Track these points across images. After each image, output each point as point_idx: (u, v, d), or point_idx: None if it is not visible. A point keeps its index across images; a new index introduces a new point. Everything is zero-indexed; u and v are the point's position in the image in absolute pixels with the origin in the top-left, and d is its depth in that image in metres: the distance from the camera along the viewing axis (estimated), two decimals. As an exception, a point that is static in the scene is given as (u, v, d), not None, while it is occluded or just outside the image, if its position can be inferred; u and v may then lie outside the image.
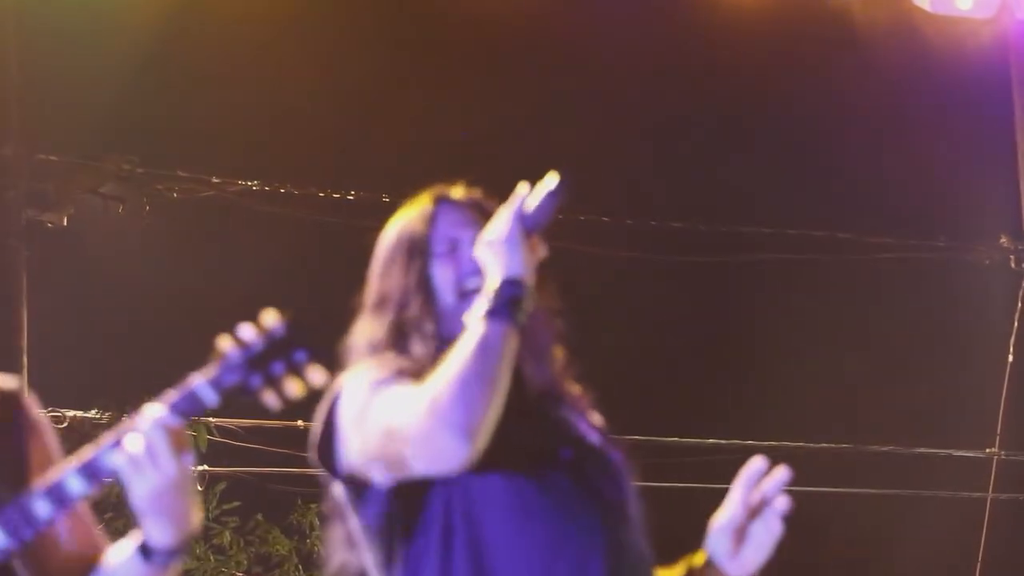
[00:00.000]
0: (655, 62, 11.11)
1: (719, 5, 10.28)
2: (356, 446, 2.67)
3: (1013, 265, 10.75)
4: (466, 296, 2.79)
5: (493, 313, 2.64)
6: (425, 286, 2.83)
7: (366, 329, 2.84)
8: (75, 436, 8.41)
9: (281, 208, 9.20)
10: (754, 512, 2.93)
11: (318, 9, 10.07)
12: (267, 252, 10.30)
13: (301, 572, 8.75)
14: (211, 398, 2.52)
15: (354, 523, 2.74)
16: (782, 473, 2.93)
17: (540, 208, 2.76)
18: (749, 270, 10.50)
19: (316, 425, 2.76)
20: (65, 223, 8.89)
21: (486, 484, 2.64)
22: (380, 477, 2.66)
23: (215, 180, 9.11)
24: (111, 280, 10.08)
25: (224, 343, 2.50)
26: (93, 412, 8.44)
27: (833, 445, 10.50)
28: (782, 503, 2.90)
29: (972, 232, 11.00)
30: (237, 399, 2.53)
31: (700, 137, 11.64)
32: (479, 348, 2.59)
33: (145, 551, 2.63)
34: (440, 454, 2.55)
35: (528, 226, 2.75)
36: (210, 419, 8.62)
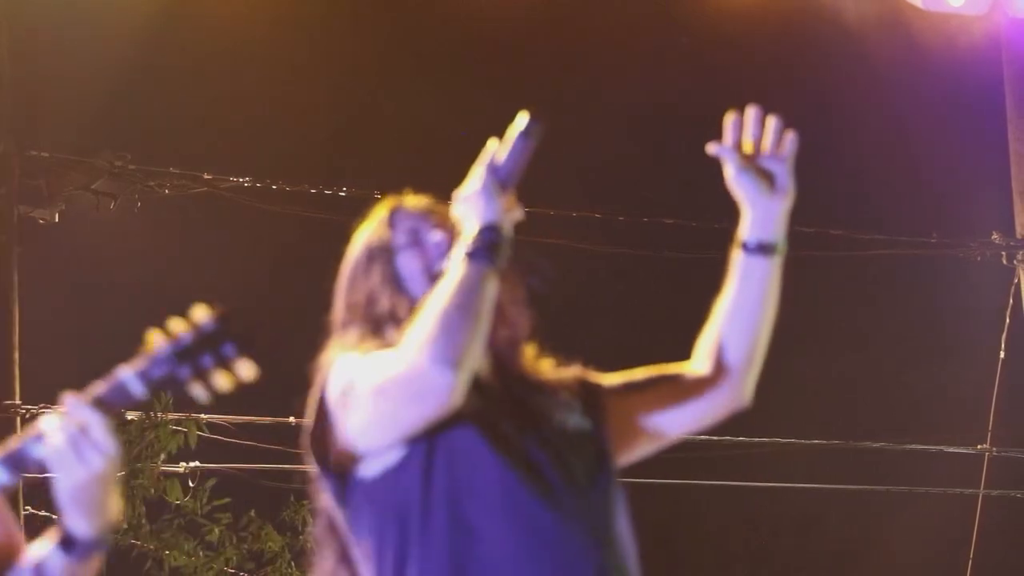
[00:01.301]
0: (652, 60, 11.12)
1: (714, 3, 10.28)
2: (350, 422, 2.67)
3: (1004, 261, 10.75)
4: (437, 280, 2.80)
5: (472, 255, 2.67)
6: (392, 280, 2.85)
7: (337, 344, 2.84)
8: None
9: (273, 205, 9.19)
10: (755, 154, 2.92)
11: (311, 6, 10.07)
12: (259, 249, 10.30)
13: (294, 568, 8.74)
14: (139, 390, 2.55)
15: (341, 518, 2.74)
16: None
17: (512, 154, 2.78)
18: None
19: (308, 419, 2.76)
20: (57, 219, 8.88)
21: (470, 469, 2.65)
22: (378, 448, 2.65)
23: (207, 177, 9.10)
24: (103, 276, 10.08)
25: (153, 336, 2.52)
26: (85, 409, 8.42)
27: (825, 442, 10.50)
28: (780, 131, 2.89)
29: (964, 228, 11.01)
30: (169, 389, 2.54)
31: (693, 134, 11.64)
32: (459, 285, 2.63)
33: (66, 544, 2.62)
34: (428, 388, 2.57)
35: (502, 175, 2.77)
36: (201, 416, 8.62)
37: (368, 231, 2.94)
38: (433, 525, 2.63)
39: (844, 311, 12.11)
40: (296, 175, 9.36)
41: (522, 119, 2.79)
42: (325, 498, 2.79)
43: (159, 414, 8.46)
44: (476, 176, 2.77)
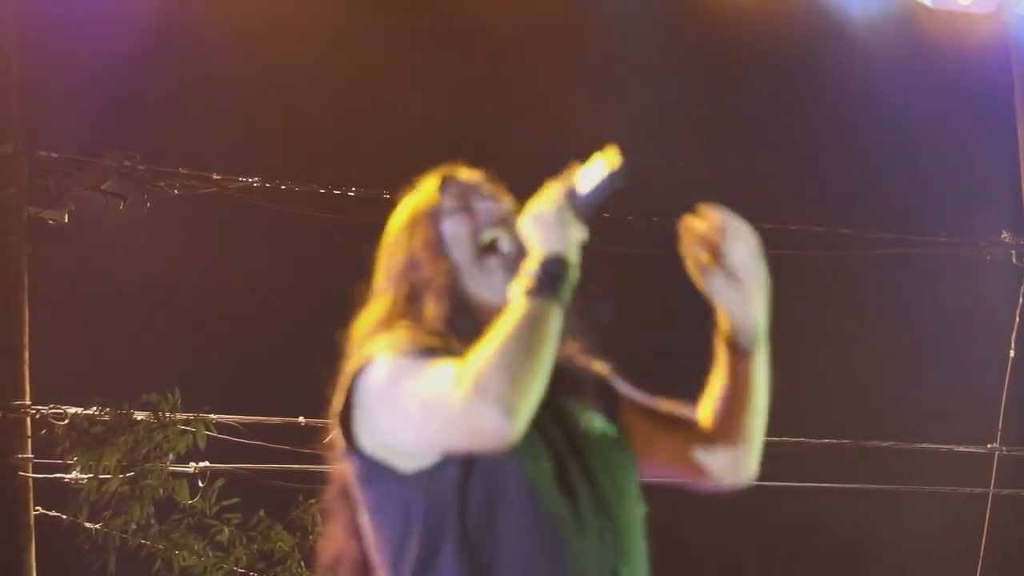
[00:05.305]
0: (656, 58, 11.11)
1: (719, 2, 10.28)
2: (387, 424, 2.60)
3: (1014, 260, 10.75)
4: (484, 251, 2.73)
5: (538, 290, 2.56)
6: (435, 245, 2.76)
7: (373, 309, 2.76)
8: (76, 433, 8.42)
9: (282, 205, 9.19)
10: (716, 253, 2.80)
11: (319, 5, 10.07)
12: (268, 249, 10.31)
13: (304, 569, 8.75)
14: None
15: (362, 504, 2.70)
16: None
17: (595, 190, 2.67)
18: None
19: (338, 398, 2.68)
20: (66, 220, 8.89)
21: (505, 483, 2.59)
22: (411, 453, 2.59)
23: (216, 177, 9.10)
24: (112, 277, 10.08)
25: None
26: (94, 409, 8.44)
27: (834, 441, 10.49)
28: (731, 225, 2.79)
29: (973, 227, 11.00)
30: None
31: (699, 133, 11.64)
32: (523, 323, 2.51)
33: None
34: (483, 430, 2.47)
35: (578, 206, 2.67)
36: (210, 416, 8.62)
37: (416, 197, 2.86)
38: (469, 531, 2.57)
39: (853, 310, 12.09)
40: (305, 175, 9.37)
41: (613, 155, 2.68)
42: (344, 469, 2.71)
43: (168, 414, 8.47)
44: (551, 196, 2.68)
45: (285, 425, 8.85)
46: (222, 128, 10.31)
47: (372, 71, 10.75)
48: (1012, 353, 10.53)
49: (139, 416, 8.47)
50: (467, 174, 2.89)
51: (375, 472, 2.65)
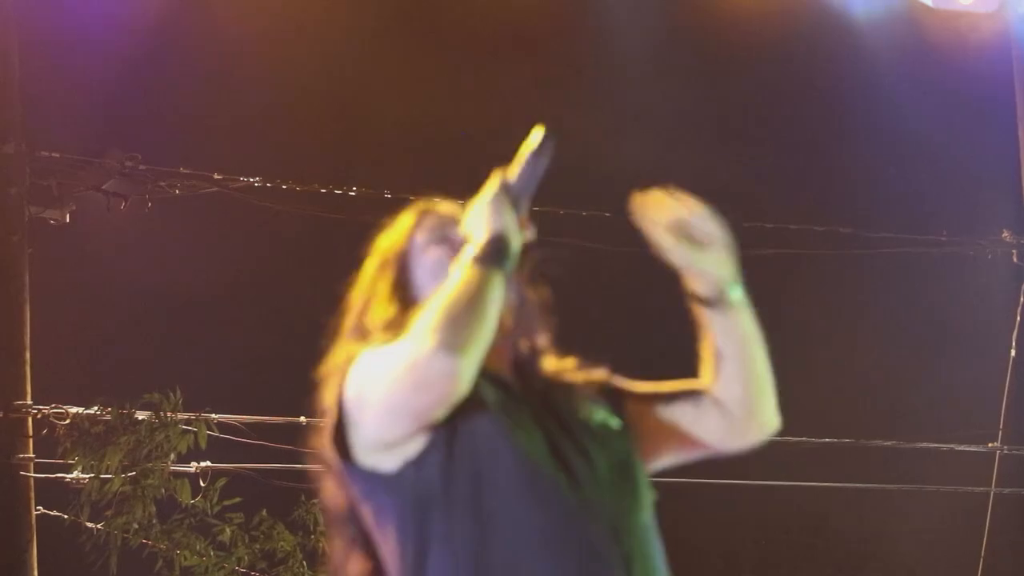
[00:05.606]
0: (657, 58, 11.11)
1: (720, 3, 10.28)
2: (367, 417, 2.67)
3: (1015, 259, 10.75)
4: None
5: (482, 258, 2.66)
6: (402, 287, 2.84)
7: (340, 352, 2.82)
8: (77, 433, 8.43)
9: (283, 204, 9.20)
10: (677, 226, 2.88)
11: (321, 5, 10.07)
12: (269, 248, 10.31)
13: (306, 568, 8.76)
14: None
15: (367, 521, 2.74)
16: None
17: (524, 171, 2.76)
18: (750, 265, 10.49)
19: (326, 418, 2.75)
20: (67, 220, 8.90)
21: (491, 459, 2.64)
22: (394, 439, 2.66)
23: (217, 176, 9.11)
24: (113, 277, 10.09)
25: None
26: (95, 409, 8.45)
27: (835, 441, 10.50)
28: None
29: (974, 226, 11.01)
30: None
31: (701, 132, 11.64)
32: (467, 284, 2.63)
33: None
34: (434, 375, 2.57)
35: (514, 192, 2.75)
36: (211, 415, 8.63)
37: (389, 236, 2.93)
38: (455, 515, 2.63)
39: (854, 309, 12.10)
40: (306, 175, 9.37)
41: (535, 136, 2.77)
42: (346, 489, 2.77)
43: (169, 414, 8.48)
44: (487, 191, 2.77)
45: (287, 424, 8.85)
46: (223, 128, 10.32)
47: (373, 71, 10.76)
48: (1013, 352, 10.53)
49: (141, 416, 8.48)
50: (445, 208, 2.96)
51: (369, 484, 2.71)
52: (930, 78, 11.41)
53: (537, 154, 2.76)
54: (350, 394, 2.69)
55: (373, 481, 2.70)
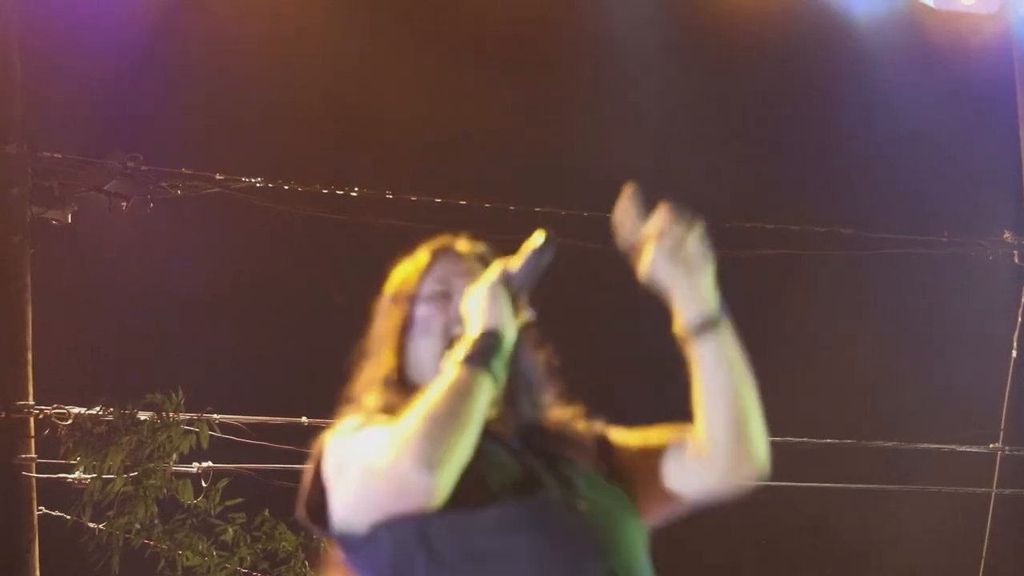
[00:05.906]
0: (658, 58, 11.12)
1: (722, 3, 10.28)
2: (342, 495, 2.69)
3: (1016, 260, 10.76)
4: (451, 344, 2.78)
5: (469, 360, 2.64)
6: (405, 330, 2.85)
7: (355, 383, 2.86)
8: (79, 433, 8.43)
9: (285, 205, 9.21)
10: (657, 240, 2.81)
11: (322, 6, 10.08)
12: (271, 249, 10.32)
13: (308, 568, 8.76)
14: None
15: (353, 571, 2.76)
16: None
17: (525, 265, 2.77)
18: (751, 266, 10.51)
19: (304, 485, 2.77)
20: (69, 220, 8.91)
21: (475, 522, 2.63)
22: (364, 520, 2.67)
23: (219, 177, 9.12)
24: (115, 277, 10.10)
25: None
26: (97, 409, 8.46)
27: (837, 441, 10.50)
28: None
29: (975, 227, 11.01)
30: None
31: (701, 133, 11.65)
32: (451, 389, 2.60)
33: None
34: (409, 489, 2.56)
35: (514, 284, 2.75)
36: (213, 416, 8.64)
37: (406, 268, 2.93)
38: (444, 564, 2.62)
39: (855, 310, 12.09)
40: (307, 175, 9.38)
41: (538, 237, 2.78)
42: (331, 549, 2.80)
43: (171, 414, 8.49)
44: (488, 277, 2.76)
45: (288, 425, 8.86)
46: (225, 129, 10.32)
47: (374, 72, 10.76)
48: (1014, 353, 10.54)
49: (143, 416, 8.49)
50: (463, 246, 2.95)
51: (345, 544, 2.73)
52: (931, 79, 11.42)
53: (539, 253, 2.78)
54: (329, 471, 2.71)
55: (349, 542, 2.72)
